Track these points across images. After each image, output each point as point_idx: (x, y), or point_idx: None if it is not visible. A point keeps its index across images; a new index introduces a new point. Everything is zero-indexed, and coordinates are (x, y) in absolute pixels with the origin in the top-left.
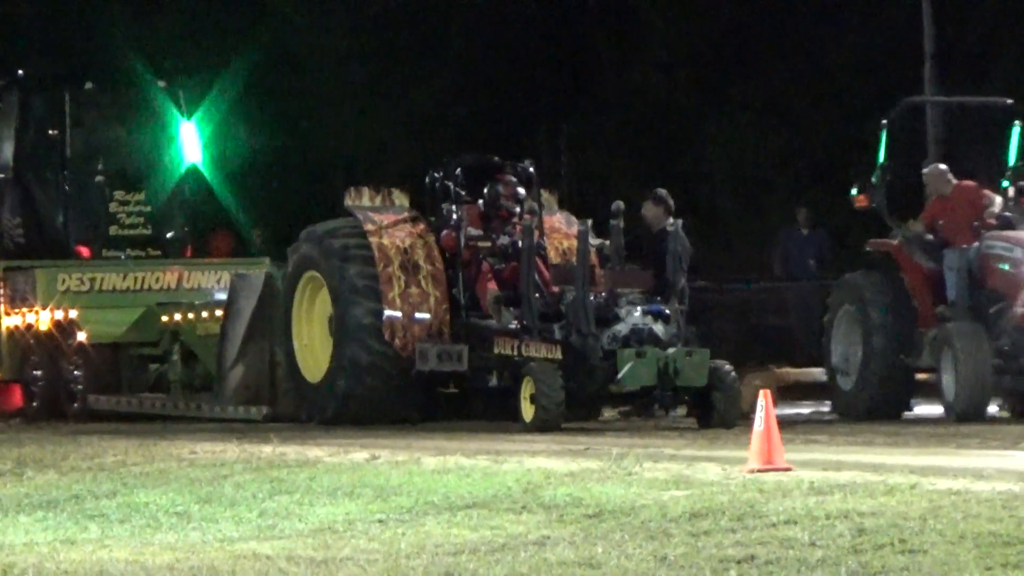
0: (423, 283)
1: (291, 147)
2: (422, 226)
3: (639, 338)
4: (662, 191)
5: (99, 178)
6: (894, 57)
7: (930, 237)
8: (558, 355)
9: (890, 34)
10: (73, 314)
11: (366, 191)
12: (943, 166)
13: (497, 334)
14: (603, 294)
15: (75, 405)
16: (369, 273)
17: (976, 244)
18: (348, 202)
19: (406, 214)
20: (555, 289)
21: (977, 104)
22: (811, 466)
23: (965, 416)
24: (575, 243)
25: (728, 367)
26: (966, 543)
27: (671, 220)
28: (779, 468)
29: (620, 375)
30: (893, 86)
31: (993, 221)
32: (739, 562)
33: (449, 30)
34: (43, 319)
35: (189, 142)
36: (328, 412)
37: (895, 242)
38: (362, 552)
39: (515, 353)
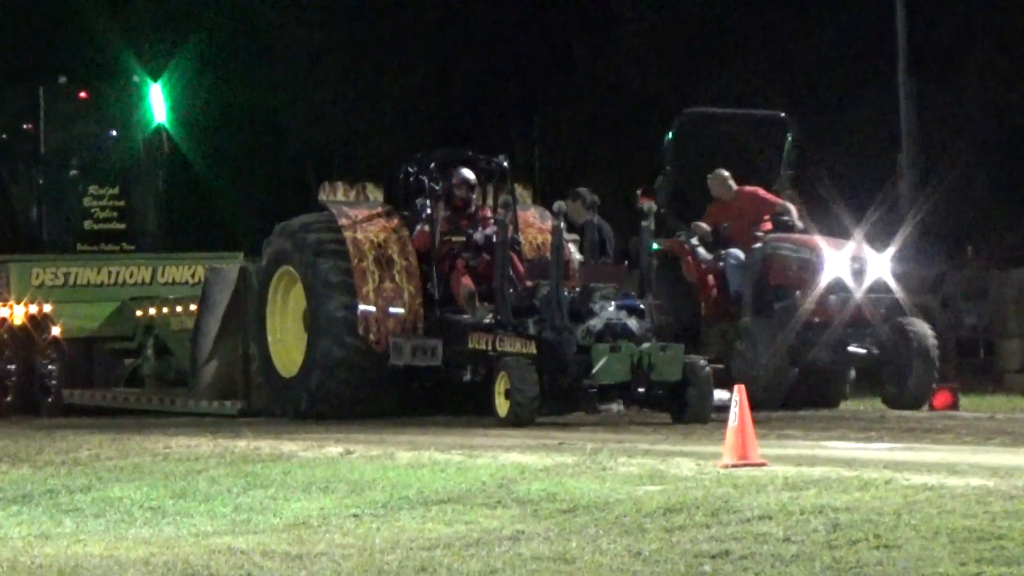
0: (397, 278)
1: (264, 140)
2: (396, 220)
3: (613, 333)
4: (581, 189)
5: (73, 172)
6: (866, 50)
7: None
8: (532, 350)
9: (862, 28)
10: (47, 308)
11: (340, 185)
12: (725, 172)
13: (471, 329)
14: (577, 289)
15: (49, 399)
16: (343, 268)
17: (760, 245)
18: (322, 196)
19: (380, 208)
20: (529, 284)
21: (755, 117)
22: (785, 461)
23: (762, 405)
24: (549, 237)
25: (703, 362)
26: (940, 538)
27: (593, 214)
28: (753, 463)
29: (594, 370)
30: (865, 79)
31: (770, 226)
32: (714, 557)
33: (422, 23)
34: (17, 314)
35: (163, 135)
36: (302, 406)
37: (680, 242)
38: (336, 547)
39: (489, 348)
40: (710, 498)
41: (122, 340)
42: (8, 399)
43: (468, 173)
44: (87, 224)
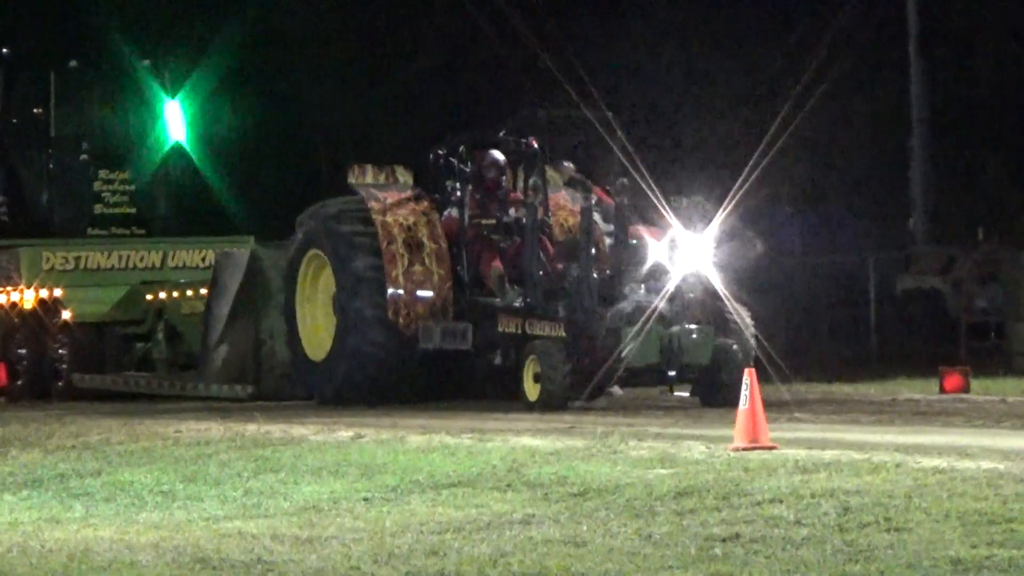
0: (427, 261)
1: (276, 125)
2: (426, 204)
3: (643, 315)
4: (578, 175)
5: (84, 157)
6: (878, 34)
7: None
8: (562, 333)
9: (874, 11)
10: (58, 293)
11: (370, 168)
12: (572, 165)
13: (501, 312)
14: (607, 271)
15: (60, 384)
16: (375, 265)
17: None
18: (352, 180)
19: (410, 192)
20: (559, 266)
21: (587, 116)
22: (796, 444)
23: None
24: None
25: (733, 345)
26: (951, 521)
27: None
28: (764, 446)
29: (624, 353)
30: (877, 66)
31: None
32: (724, 540)
33: (434, 8)
34: (27, 298)
35: (173, 120)
36: (327, 395)
37: None
38: (347, 530)
39: (519, 331)
40: (721, 481)
41: (133, 324)
42: (19, 383)
43: (498, 155)
44: (97, 208)
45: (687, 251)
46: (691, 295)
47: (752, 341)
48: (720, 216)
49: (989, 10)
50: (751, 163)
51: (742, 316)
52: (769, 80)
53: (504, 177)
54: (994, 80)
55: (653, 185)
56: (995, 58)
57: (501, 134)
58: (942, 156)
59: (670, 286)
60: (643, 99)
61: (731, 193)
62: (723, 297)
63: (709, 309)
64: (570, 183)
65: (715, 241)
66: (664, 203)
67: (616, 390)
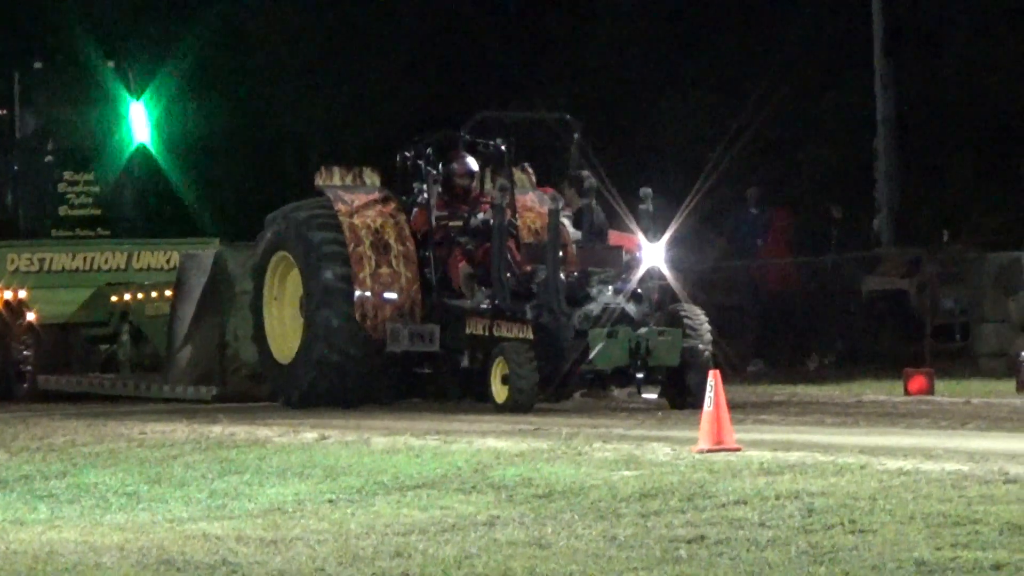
0: (394, 263)
1: (241, 126)
2: (393, 205)
3: (611, 317)
4: (584, 172)
5: (48, 158)
6: (845, 33)
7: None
8: (529, 335)
9: (841, 10)
10: (23, 294)
11: (337, 170)
12: (529, 168)
13: (468, 314)
14: (575, 273)
15: (24, 385)
16: (344, 275)
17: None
18: (319, 181)
19: (377, 193)
20: (527, 268)
21: (543, 119)
22: (761, 446)
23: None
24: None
25: (702, 347)
26: (916, 523)
27: (585, 200)
28: (729, 448)
29: (592, 355)
30: (844, 63)
31: None
32: (689, 542)
33: (400, 7)
34: None
35: (138, 122)
36: (292, 399)
37: None
38: (312, 532)
39: (486, 333)
40: (685, 483)
41: (98, 326)
42: None
43: (471, 162)
44: (62, 210)
45: (647, 252)
46: (656, 296)
47: (708, 339)
48: (679, 217)
49: (955, 11)
50: (714, 163)
51: (698, 314)
52: (733, 79)
53: (472, 179)
54: (960, 81)
55: (612, 188)
56: (961, 59)
57: (465, 136)
58: (907, 157)
59: (634, 287)
60: (607, 100)
61: (692, 193)
62: (680, 298)
63: (667, 311)
64: (568, 180)
65: (673, 242)
66: (624, 206)
67: (578, 393)
